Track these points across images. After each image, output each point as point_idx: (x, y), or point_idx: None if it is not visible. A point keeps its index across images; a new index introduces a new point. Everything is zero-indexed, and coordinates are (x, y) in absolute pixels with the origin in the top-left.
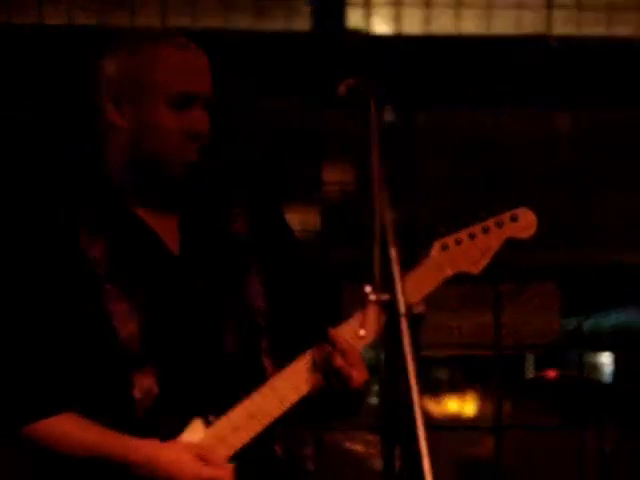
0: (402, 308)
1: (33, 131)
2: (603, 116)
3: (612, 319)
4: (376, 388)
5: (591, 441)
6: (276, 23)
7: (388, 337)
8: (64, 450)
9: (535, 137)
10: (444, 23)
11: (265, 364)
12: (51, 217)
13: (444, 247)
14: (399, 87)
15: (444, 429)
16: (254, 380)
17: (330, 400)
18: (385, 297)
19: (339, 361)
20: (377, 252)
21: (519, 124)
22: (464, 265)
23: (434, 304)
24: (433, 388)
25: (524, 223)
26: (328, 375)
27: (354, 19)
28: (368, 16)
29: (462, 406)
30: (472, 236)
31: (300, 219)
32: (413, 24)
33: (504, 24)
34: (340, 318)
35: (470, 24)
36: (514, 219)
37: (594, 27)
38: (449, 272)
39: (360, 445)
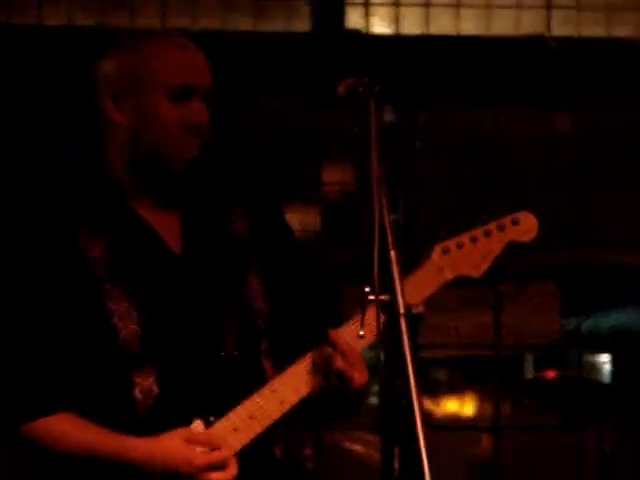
0: (401, 308)
1: (33, 131)
2: (602, 116)
3: (612, 319)
4: (375, 388)
5: (591, 441)
6: (276, 24)
7: (388, 337)
8: (62, 449)
9: (534, 137)
10: (443, 23)
11: (265, 365)
12: (51, 217)
13: (445, 251)
14: (398, 87)
15: (443, 429)
16: (254, 381)
17: (331, 401)
18: (384, 298)
19: (340, 363)
20: (376, 253)
21: (518, 124)
22: (465, 269)
23: (433, 304)
24: (432, 388)
25: (525, 227)
26: (328, 376)
27: (353, 19)
28: (367, 16)
29: (461, 406)
30: (474, 240)
31: (300, 219)
32: (412, 24)
33: (503, 25)
34: (340, 319)
35: (469, 24)
36: (515, 223)
37: (593, 28)
38: (450, 275)
39: (360, 445)
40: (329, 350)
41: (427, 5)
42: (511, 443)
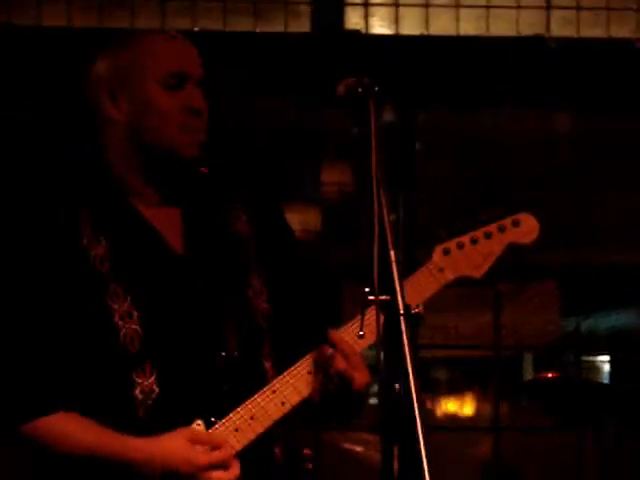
0: (401, 308)
1: (33, 131)
2: (602, 117)
3: (611, 319)
4: (375, 388)
5: (590, 442)
6: (275, 25)
7: (387, 337)
8: (63, 449)
9: (534, 137)
10: (443, 24)
11: (266, 366)
12: (51, 216)
13: (446, 251)
14: (398, 87)
15: (443, 429)
16: (255, 381)
17: (332, 402)
18: (384, 298)
19: (341, 363)
20: (376, 252)
21: (518, 124)
22: (466, 269)
23: (433, 304)
24: (432, 388)
25: (526, 228)
26: (329, 377)
27: (353, 20)
28: (367, 17)
29: (461, 406)
30: (474, 241)
31: (300, 219)
32: (412, 25)
33: (503, 25)
34: (340, 319)
35: (469, 25)
36: (516, 224)
37: (592, 28)
38: (450, 276)
39: (359, 445)
40: (330, 351)
41: (427, 5)
42: (510, 443)
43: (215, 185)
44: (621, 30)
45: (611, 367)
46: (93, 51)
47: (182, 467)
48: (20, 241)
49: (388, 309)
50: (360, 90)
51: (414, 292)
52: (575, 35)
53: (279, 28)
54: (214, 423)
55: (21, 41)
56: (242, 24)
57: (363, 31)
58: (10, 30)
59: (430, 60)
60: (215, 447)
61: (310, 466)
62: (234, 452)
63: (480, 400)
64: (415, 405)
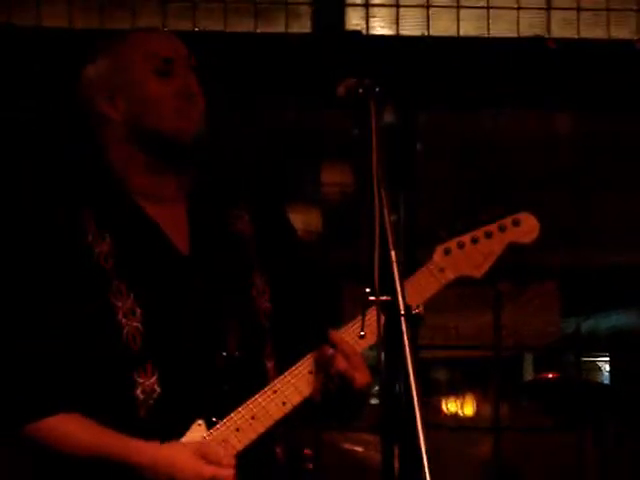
0: (402, 309)
1: (33, 131)
2: (602, 118)
3: (611, 320)
4: (375, 389)
5: (590, 442)
6: (276, 26)
7: (388, 338)
8: (65, 450)
9: (534, 139)
10: (443, 24)
11: (267, 366)
12: (52, 216)
13: (446, 251)
14: (398, 88)
15: (444, 429)
16: (256, 381)
17: (333, 402)
18: (385, 298)
19: (342, 363)
20: (377, 253)
21: (519, 126)
22: (466, 269)
23: (433, 305)
24: (432, 389)
25: (526, 228)
26: (330, 377)
27: (354, 20)
28: (368, 17)
29: (461, 407)
30: (475, 240)
31: (300, 220)
32: (412, 25)
33: (503, 26)
34: (341, 319)
35: (469, 26)
36: (516, 223)
37: (593, 29)
38: (451, 276)
39: (359, 445)
40: (330, 351)
41: (427, 6)
42: (511, 444)
43: (218, 185)
44: (621, 31)
45: (611, 368)
46: (90, 52)
47: (188, 477)
48: (20, 241)
49: (389, 310)
50: (361, 91)
51: (415, 292)
52: (575, 36)
53: (280, 29)
54: (215, 423)
55: (21, 42)
56: (243, 25)
57: (364, 32)
58: (10, 31)
59: (430, 61)
60: (220, 464)
61: (310, 466)
62: (235, 452)
63: (480, 400)
64: (415, 405)
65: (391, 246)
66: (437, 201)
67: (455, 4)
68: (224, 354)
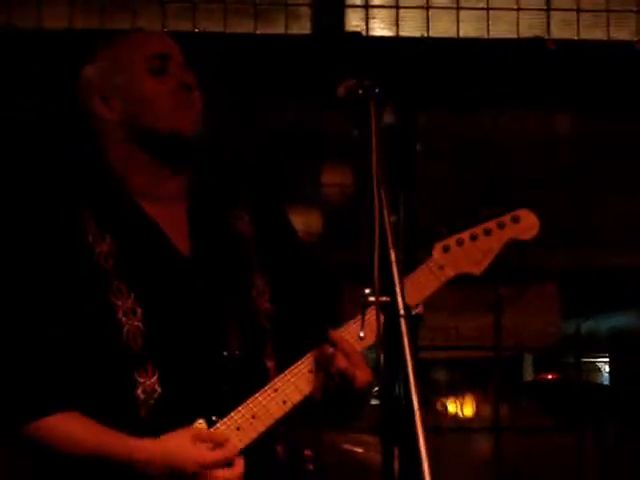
0: (401, 310)
1: (33, 131)
2: (602, 119)
3: (611, 321)
4: (375, 389)
5: (590, 442)
6: (276, 27)
7: (388, 338)
8: (65, 449)
9: (534, 139)
10: (443, 26)
11: (267, 365)
12: (51, 216)
13: (445, 249)
14: (398, 89)
15: (444, 430)
16: (256, 381)
17: (333, 401)
18: (384, 299)
19: (342, 362)
20: (377, 254)
21: (518, 126)
22: (466, 266)
23: (433, 306)
24: (433, 389)
25: (526, 224)
26: (331, 376)
27: (354, 21)
28: (367, 18)
29: (461, 407)
30: (474, 237)
31: (300, 220)
32: (412, 27)
33: (503, 27)
34: (340, 319)
35: (469, 27)
36: (516, 220)
37: (592, 30)
38: (450, 273)
39: (359, 446)
40: (331, 349)
41: (427, 7)
42: (511, 444)
43: (218, 185)
44: (621, 32)
45: (611, 368)
46: (87, 54)
47: (188, 465)
48: (20, 241)
49: (388, 310)
50: (360, 92)
51: (414, 290)
52: (575, 37)
53: (280, 30)
54: (216, 422)
55: (22, 43)
56: (243, 26)
57: (364, 33)
58: (11, 32)
59: (430, 62)
60: (218, 445)
61: (311, 467)
62: (236, 451)
63: (480, 401)
64: (415, 406)
65: (391, 247)
66: (437, 201)
67: (455, 5)
68: (225, 354)
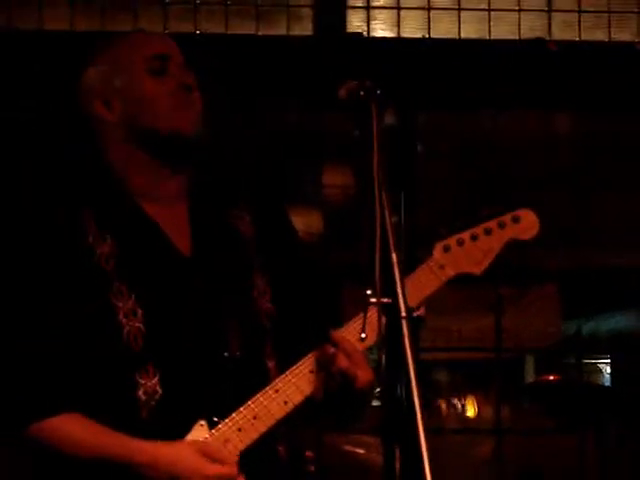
0: (403, 311)
1: (33, 131)
2: (602, 119)
3: (612, 322)
4: (377, 391)
5: (591, 443)
6: (277, 28)
7: (389, 340)
8: (67, 450)
9: (534, 139)
10: (444, 27)
11: (268, 365)
12: (51, 216)
13: (446, 248)
14: (399, 90)
15: (445, 432)
16: (258, 381)
17: (335, 401)
18: (386, 300)
19: (343, 362)
20: (378, 255)
21: (518, 126)
22: (466, 266)
23: (435, 307)
24: (434, 391)
25: (526, 224)
26: (332, 376)
27: (355, 22)
28: (369, 20)
29: (462, 409)
30: (474, 237)
31: (301, 221)
32: (413, 28)
33: (504, 28)
34: (341, 320)
35: (470, 28)
36: (516, 220)
37: (594, 31)
38: (451, 273)
39: (360, 447)
40: (332, 349)
41: (428, 8)
42: (512, 446)
43: (219, 185)
44: (622, 33)
45: (612, 370)
46: (87, 55)
47: (191, 475)
48: (21, 241)
49: (390, 312)
50: (362, 93)
51: (415, 289)
52: (576, 38)
53: (281, 31)
54: (217, 423)
55: (23, 43)
56: (244, 27)
57: (365, 34)
58: (12, 32)
59: (431, 63)
60: (223, 463)
61: (312, 468)
62: (237, 452)
63: (482, 402)
64: (416, 408)
65: (392, 248)
66: (437, 201)
67: (456, 6)
68: (225, 354)
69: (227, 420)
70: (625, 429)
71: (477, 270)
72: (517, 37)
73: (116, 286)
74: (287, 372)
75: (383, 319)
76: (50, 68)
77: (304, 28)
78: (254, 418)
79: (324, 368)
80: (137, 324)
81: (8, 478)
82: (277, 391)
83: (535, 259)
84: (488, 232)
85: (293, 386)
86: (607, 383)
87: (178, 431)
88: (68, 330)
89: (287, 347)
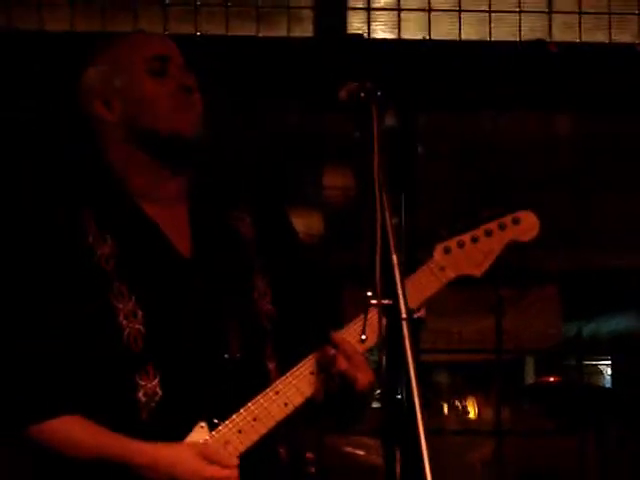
0: (403, 313)
1: (33, 131)
2: (603, 120)
3: (613, 323)
4: (377, 392)
5: (591, 445)
6: (278, 30)
7: (389, 341)
8: (67, 452)
9: (535, 141)
10: (445, 28)
11: (269, 367)
12: (51, 216)
13: (446, 250)
14: (399, 91)
15: (445, 433)
16: (258, 383)
17: (335, 403)
18: (386, 301)
19: (343, 364)
20: (378, 256)
21: (519, 128)
22: (466, 268)
23: (435, 309)
24: (434, 392)
25: (526, 225)
26: (332, 378)
27: (355, 24)
28: (369, 21)
29: (463, 411)
30: (474, 239)
31: (302, 223)
32: (414, 29)
33: (504, 30)
34: (341, 321)
35: (470, 29)
36: (516, 222)
37: (594, 33)
38: (451, 275)
39: (361, 449)
40: (332, 351)
41: (429, 10)
42: (512, 447)
43: (219, 186)
44: (623, 35)
45: (613, 371)
46: (87, 55)
47: (191, 477)
48: (21, 241)
49: (390, 313)
50: (362, 95)
51: (415, 291)
52: (577, 39)
53: (282, 33)
54: (217, 425)
55: (23, 43)
56: (245, 29)
57: (365, 35)
58: (12, 33)
59: (432, 64)
60: (223, 465)
61: (313, 470)
62: (238, 453)
63: (482, 404)
64: (417, 409)
65: (392, 249)
66: (437, 202)
67: (456, 8)
68: (226, 356)
69: (227, 422)
70: (626, 431)
71: (477, 272)
72: (517, 38)
73: (116, 287)
74: (287, 374)
75: (383, 320)
76: (50, 68)
77: (304, 29)
78: (254, 420)
79: (324, 370)
80: (137, 325)
81: (8, 478)
82: (277, 393)
83: (535, 260)
84: (488, 234)
85: (293, 388)
86: (608, 385)
87: (178, 433)
88: (68, 331)
89: (287, 349)
